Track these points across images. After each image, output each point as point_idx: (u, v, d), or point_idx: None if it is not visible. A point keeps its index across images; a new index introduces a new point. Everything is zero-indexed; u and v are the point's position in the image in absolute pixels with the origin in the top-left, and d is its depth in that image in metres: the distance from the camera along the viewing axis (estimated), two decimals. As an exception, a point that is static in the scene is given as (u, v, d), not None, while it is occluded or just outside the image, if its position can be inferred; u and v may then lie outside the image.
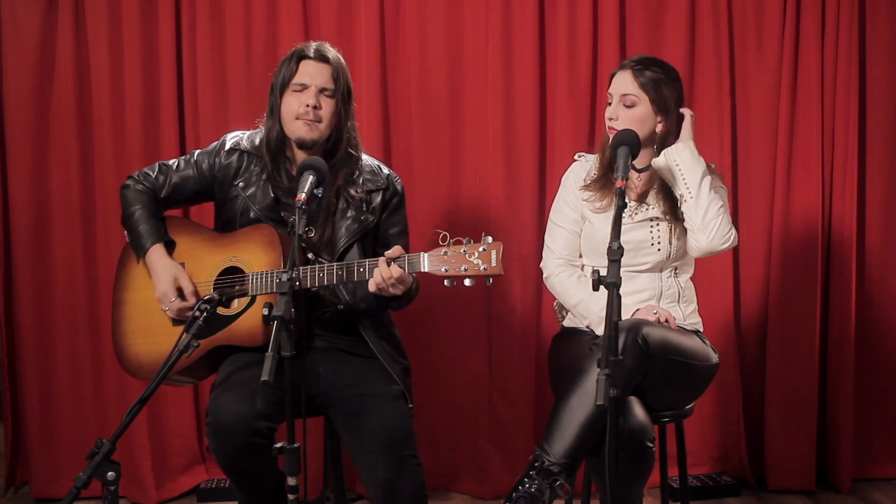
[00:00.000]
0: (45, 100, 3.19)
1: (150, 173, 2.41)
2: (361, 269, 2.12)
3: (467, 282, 2.02)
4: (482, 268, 2.00)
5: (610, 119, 2.37)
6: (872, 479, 3.36)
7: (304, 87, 2.29)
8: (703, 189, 2.30)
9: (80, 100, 3.17)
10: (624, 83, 2.36)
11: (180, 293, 2.29)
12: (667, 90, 2.35)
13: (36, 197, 3.20)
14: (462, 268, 2.01)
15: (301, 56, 2.31)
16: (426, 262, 2.05)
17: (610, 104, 2.39)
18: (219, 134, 2.52)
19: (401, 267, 2.07)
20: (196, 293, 2.29)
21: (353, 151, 2.39)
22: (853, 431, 3.27)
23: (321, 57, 2.32)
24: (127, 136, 3.16)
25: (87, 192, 3.20)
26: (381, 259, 2.09)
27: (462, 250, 2.02)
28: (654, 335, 2.13)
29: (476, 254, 2.01)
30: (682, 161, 2.30)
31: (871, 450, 3.37)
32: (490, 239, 2.01)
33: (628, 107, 2.34)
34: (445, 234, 2.03)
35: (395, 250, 2.08)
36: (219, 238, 2.35)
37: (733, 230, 2.35)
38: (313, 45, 2.34)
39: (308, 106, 2.27)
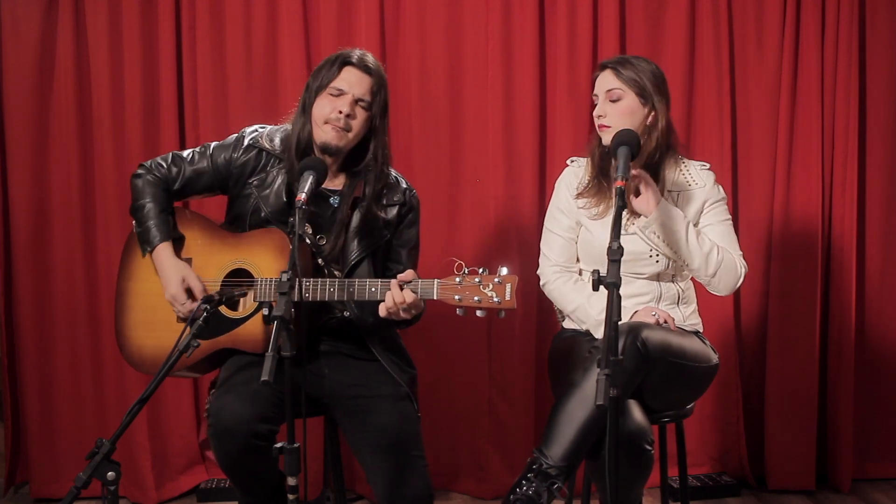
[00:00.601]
0: (45, 100, 3.19)
1: (164, 164, 2.35)
2: (373, 290, 2.10)
3: (479, 313, 2.00)
4: (495, 300, 1.98)
5: (599, 116, 2.35)
6: (872, 479, 3.36)
7: (340, 93, 2.25)
8: (692, 249, 2.29)
9: (80, 100, 3.17)
10: (606, 80, 2.36)
11: (189, 294, 2.25)
12: (648, 81, 2.34)
13: (36, 197, 3.20)
14: (475, 299, 1.99)
15: (345, 62, 2.26)
16: (437, 291, 2.03)
17: (595, 105, 2.39)
18: (218, 134, 2.51)
19: (414, 292, 2.05)
20: (205, 293, 2.25)
21: (385, 169, 2.34)
22: (853, 431, 3.27)
23: (365, 67, 2.27)
24: (127, 136, 3.16)
25: (87, 192, 3.20)
26: (394, 282, 2.06)
27: (476, 280, 1.99)
28: (653, 338, 2.12)
29: (490, 286, 1.99)
30: (658, 233, 2.29)
31: (871, 450, 3.37)
32: (505, 271, 1.99)
33: (614, 101, 2.34)
34: (461, 263, 2.01)
35: (408, 274, 2.07)
36: (229, 237, 2.32)
37: (739, 266, 2.35)
38: (357, 52, 2.29)
39: (341, 113, 2.23)
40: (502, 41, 3.19)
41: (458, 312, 2.02)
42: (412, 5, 3.19)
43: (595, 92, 2.40)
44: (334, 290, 2.13)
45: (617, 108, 2.33)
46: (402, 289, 2.06)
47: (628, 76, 2.33)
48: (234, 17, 3.17)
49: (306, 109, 2.29)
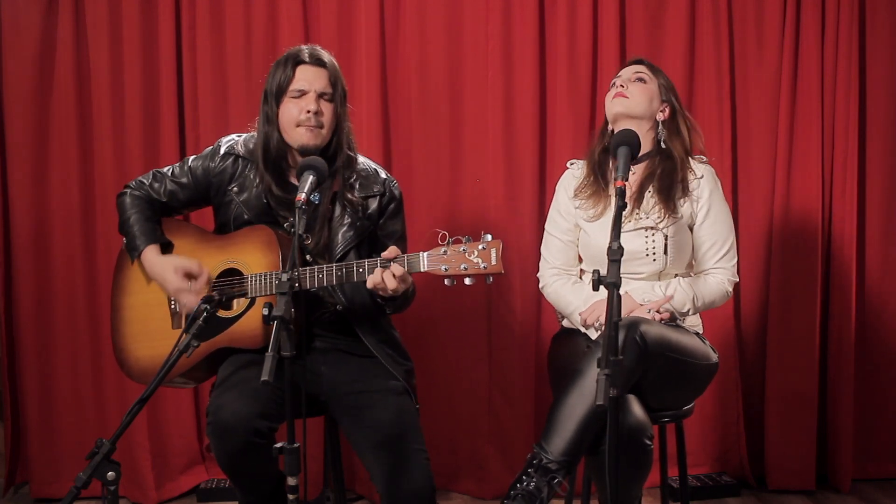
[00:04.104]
0: (45, 100, 3.19)
1: (145, 181, 2.40)
2: (361, 270, 2.11)
3: (467, 281, 2.01)
4: (482, 266, 1.99)
5: (621, 86, 2.41)
6: (872, 479, 3.36)
7: (302, 93, 2.26)
8: (685, 312, 2.35)
9: (80, 100, 3.17)
10: (635, 67, 2.45)
11: (190, 276, 2.25)
12: (670, 85, 2.45)
13: (36, 197, 3.20)
14: (462, 267, 2.00)
15: (297, 61, 2.28)
16: (425, 262, 2.04)
17: (614, 85, 2.44)
18: (219, 134, 2.52)
19: (401, 265, 2.06)
20: (202, 269, 2.26)
21: (351, 153, 2.38)
22: (853, 431, 3.27)
23: (318, 61, 2.29)
24: (127, 136, 3.16)
25: (87, 193, 3.20)
26: (381, 261, 2.07)
27: (461, 249, 2.01)
28: (651, 333, 2.12)
29: (476, 252, 2.00)
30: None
31: (871, 450, 3.37)
32: (489, 237, 2.00)
33: (638, 80, 2.41)
34: (444, 234, 2.03)
35: (391, 251, 2.08)
36: (216, 240, 2.34)
37: (723, 291, 2.40)
38: (306, 49, 2.31)
39: (309, 112, 2.25)
40: (502, 41, 3.19)
41: (446, 283, 2.02)
42: (412, 5, 3.19)
43: (618, 75, 2.47)
44: (323, 275, 2.14)
45: (639, 86, 2.41)
46: (388, 266, 2.06)
47: (658, 72, 2.45)
48: (234, 17, 3.17)
49: (270, 119, 2.30)
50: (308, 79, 2.27)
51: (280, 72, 2.28)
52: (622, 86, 2.40)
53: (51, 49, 3.17)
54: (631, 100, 2.38)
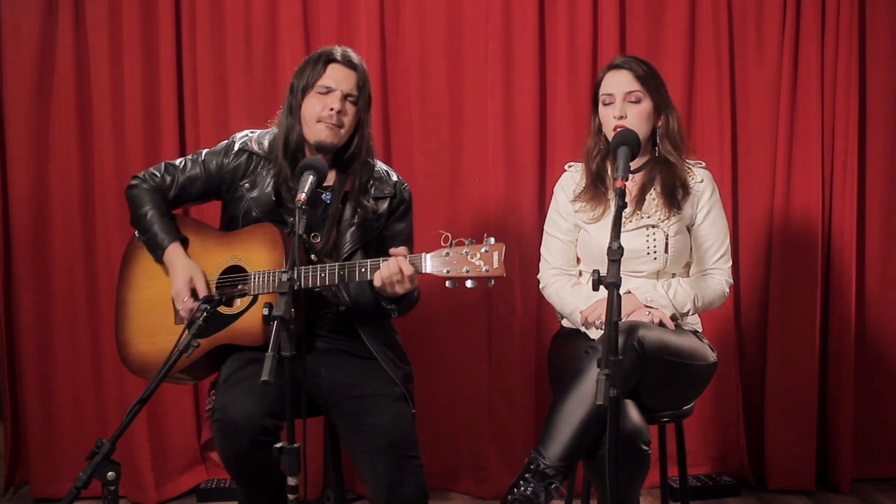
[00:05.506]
0: (45, 100, 3.19)
1: (157, 173, 2.39)
2: (363, 270, 2.11)
3: (469, 283, 2.01)
4: (484, 269, 1.99)
5: (620, 118, 2.34)
6: (872, 479, 3.36)
7: (329, 91, 2.27)
8: (686, 312, 2.35)
9: (80, 100, 3.17)
10: (624, 81, 2.36)
11: (193, 294, 2.27)
12: (660, 86, 2.39)
13: (36, 197, 3.20)
14: (464, 269, 2.00)
15: (329, 59, 2.29)
16: (427, 263, 2.04)
17: (608, 104, 2.37)
18: (219, 134, 2.52)
19: (409, 264, 2.05)
20: (206, 289, 2.27)
21: (369, 160, 2.38)
22: (853, 431, 3.27)
23: (349, 62, 2.30)
24: (127, 136, 3.16)
25: (87, 192, 3.20)
26: (391, 255, 2.07)
27: (464, 251, 2.00)
28: (650, 337, 2.12)
29: (478, 255, 2.00)
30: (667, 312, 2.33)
31: (871, 450, 3.37)
32: (492, 240, 2.00)
33: (634, 103, 2.34)
34: (447, 235, 2.02)
35: (401, 249, 2.08)
36: (222, 237, 2.35)
37: (720, 293, 2.41)
38: (339, 49, 2.32)
39: (332, 110, 2.25)
40: (502, 41, 3.19)
41: (447, 285, 2.02)
42: (412, 5, 3.19)
43: (609, 91, 2.38)
44: (325, 274, 2.14)
45: (637, 110, 2.34)
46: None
47: (646, 80, 2.35)
48: (234, 17, 3.17)
49: (293, 111, 2.31)
50: (337, 77, 2.28)
51: (310, 67, 2.29)
52: (622, 116, 2.33)
53: (51, 49, 3.17)
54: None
